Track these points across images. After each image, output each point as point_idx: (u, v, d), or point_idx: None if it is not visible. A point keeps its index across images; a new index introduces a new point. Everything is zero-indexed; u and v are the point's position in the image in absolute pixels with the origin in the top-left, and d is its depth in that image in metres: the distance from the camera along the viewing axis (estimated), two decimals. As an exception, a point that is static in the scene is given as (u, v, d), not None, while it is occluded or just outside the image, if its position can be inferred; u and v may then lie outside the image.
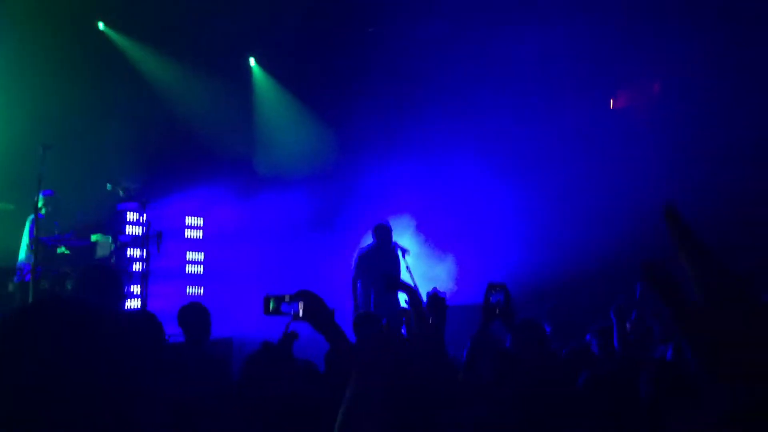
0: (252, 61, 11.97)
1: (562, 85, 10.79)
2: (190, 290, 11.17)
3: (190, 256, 11.36)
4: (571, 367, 3.65)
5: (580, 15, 9.90)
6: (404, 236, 10.49)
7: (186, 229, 11.34)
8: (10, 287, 7.84)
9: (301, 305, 2.61)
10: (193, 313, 5.27)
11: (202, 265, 11.48)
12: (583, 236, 9.79)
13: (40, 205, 8.23)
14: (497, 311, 3.39)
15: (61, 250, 8.28)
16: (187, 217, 11.31)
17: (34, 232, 7.96)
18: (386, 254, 8.86)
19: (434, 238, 11.42)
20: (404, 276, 8.71)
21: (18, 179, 8.48)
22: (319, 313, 2.60)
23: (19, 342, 1.29)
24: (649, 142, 10.13)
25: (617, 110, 11.65)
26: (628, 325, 4.78)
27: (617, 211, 9.80)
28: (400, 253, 8.88)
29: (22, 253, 8.37)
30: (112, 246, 8.55)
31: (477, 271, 10.47)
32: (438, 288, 3.76)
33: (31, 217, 8.31)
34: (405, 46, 10.94)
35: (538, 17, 10.04)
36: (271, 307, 2.67)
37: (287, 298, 2.64)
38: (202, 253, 11.49)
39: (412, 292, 3.82)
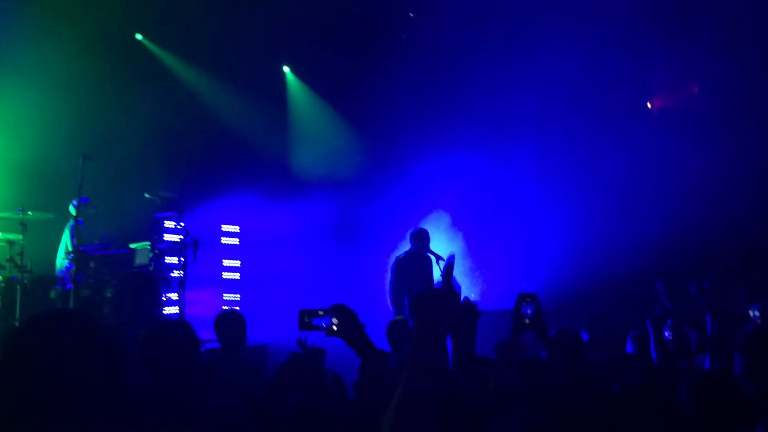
0: (286, 69, 12.07)
1: (597, 89, 10.68)
2: (227, 297, 11.29)
3: (227, 262, 11.50)
4: (608, 377, 3.60)
5: (617, 18, 9.79)
6: (439, 240, 10.45)
7: (222, 237, 11.48)
8: (52, 294, 8.01)
9: (334, 320, 2.63)
10: (229, 322, 5.33)
11: (238, 272, 11.60)
12: (623, 242, 9.68)
13: (74, 212, 8.42)
14: (528, 321, 3.36)
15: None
16: (223, 224, 11.44)
17: (75, 240, 8.14)
18: (423, 260, 8.87)
19: (466, 242, 11.38)
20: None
21: (59, 189, 8.67)
22: (351, 328, 2.62)
23: (24, 350, 1.41)
24: (689, 147, 9.97)
25: (655, 112, 11.49)
26: (666, 333, 4.70)
27: (657, 216, 9.66)
28: (434, 260, 8.86)
29: (59, 261, 8.56)
30: (151, 254, 8.67)
31: (511, 277, 10.41)
32: (469, 296, 3.74)
33: (70, 224, 8.50)
34: (437, 52, 10.95)
35: (568, 21, 9.96)
36: (305, 322, 2.70)
37: (321, 313, 2.67)
38: (239, 261, 11.61)
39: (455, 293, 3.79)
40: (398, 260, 8.90)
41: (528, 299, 3.50)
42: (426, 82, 11.26)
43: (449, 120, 11.27)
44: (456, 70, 11.02)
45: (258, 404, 2.99)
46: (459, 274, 10.57)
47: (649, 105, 11.49)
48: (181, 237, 8.67)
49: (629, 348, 4.88)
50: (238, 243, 11.65)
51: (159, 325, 3.27)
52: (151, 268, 8.66)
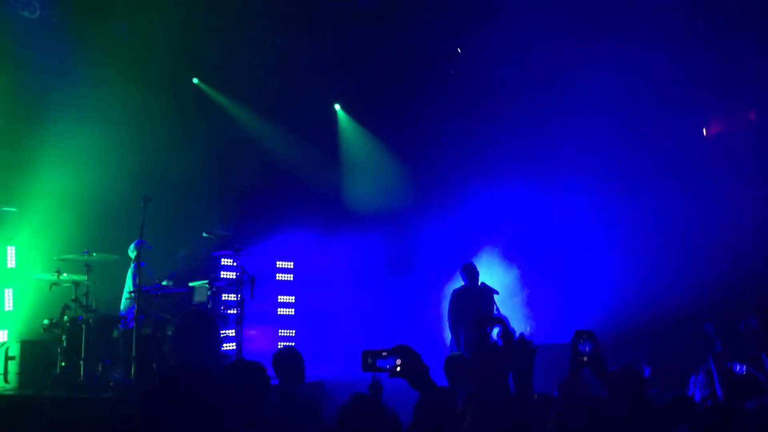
0: (337, 106, 12.28)
1: (656, 113, 10.54)
2: (282, 332, 11.41)
3: (282, 298, 11.64)
4: (670, 416, 3.52)
5: (673, 36, 9.67)
6: (493, 272, 10.40)
7: (277, 273, 11.64)
8: (115, 334, 8.23)
9: (398, 361, 2.66)
10: (288, 359, 5.37)
11: (293, 308, 11.73)
12: (686, 274, 9.47)
13: (132, 255, 8.68)
14: (586, 359, 3.33)
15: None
16: (278, 261, 11.62)
17: (137, 281, 8.37)
18: (476, 293, 8.87)
19: (521, 275, 11.28)
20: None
21: (122, 230, 8.95)
22: (415, 369, 2.64)
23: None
24: (748, 174, 9.75)
25: (713, 138, 11.27)
26: (736, 368, 4.53)
27: (720, 247, 9.44)
28: (490, 293, 8.85)
29: (124, 301, 8.80)
30: (209, 291, 8.86)
31: (566, 310, 10.27)
32: (524, 333, 3.73)
33: (132, 265, 8.76)
34: (485, 86, 10.99)
35: (617, 47, 9.88)
36: (368, 363, 2.73)
37: (384, 354, 2.70)
38: (293, 296, 11.74)
39: (503, 324, 3.79)
40: (454, 294, 8.95)
41: (585, 336, 3.47)
42: (475, 116, 11.32)
43: (500, 153, 11.27)
44: (505, 102, 11.03)
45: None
46: (514, 307, 10.50)
47: (705, 132, 11.28)
48: (237, 274, 8.85)
49: (690, 392, 4.72)
50: (292, 279, 11.80)
51: (238, 364, 3.38)
52: (209, 306, 8.84)
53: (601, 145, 10.59)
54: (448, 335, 9.10)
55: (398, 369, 2.71)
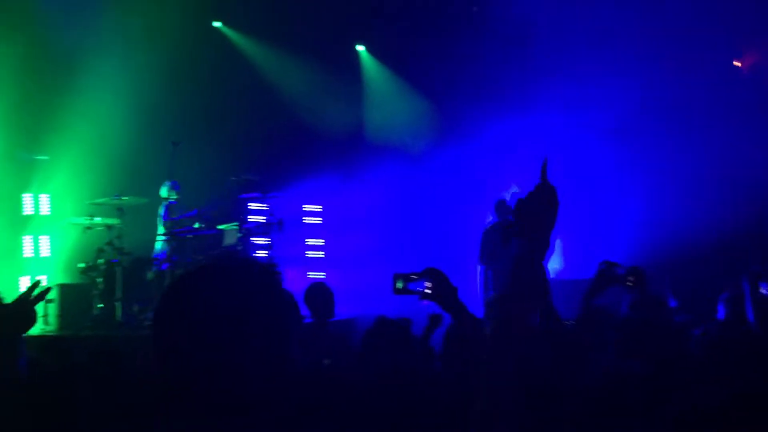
0: (360, 47, 12.16)
1: (685, 45, 10.27)
2: (312, 275, 11.54)
3: (310, 241, 11.75)
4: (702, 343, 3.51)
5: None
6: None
7: (304, 216, 11.73)
8: (149, 276, 8.42)
9: (428, 284, 2.69)
10: (319, 293, 5.48)
11: (322, 251, 11.84)
12: (708, 205, 9.36)
13: (165, 195, 8.81)
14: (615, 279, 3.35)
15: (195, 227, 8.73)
16: (304, 204, 11.69)
17: (168, 221, 8.52)
18: (506, 230, 8.88)
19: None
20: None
21: (151, 174, 9.07)
22: (445, 291, 2.67)
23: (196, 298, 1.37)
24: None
25: (742, 74, 10.98)
26: (765, 291, 4.42)
27: (746, 178, 9.29)
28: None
29: (158, 244, 8.97)
30: (239, 234, 8.97)
31: (593, 246, 10.22)
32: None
33: (163, 206, 8.89)
34: (509, 22, 10.75)
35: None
36: (399, 286, 2.76)
37: (414, 277, 2.73)
38: (322, 239, 11.85)
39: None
40: (484, 231, 8.98)
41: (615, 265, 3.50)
42: (499, 53, 11.10)
43: (526, 89, 11.08)
44: (531, 35, 10.78)
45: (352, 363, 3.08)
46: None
47: (737, 63, 10.97)
48: (266, 217, 8.94)
49: (721, 314, 4.68)
50: (320, 222, 11.88)
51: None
52: (239, 248, 8.96)
53: (631, 75, 10.35)
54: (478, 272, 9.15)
55: (428, 291, 2.73)
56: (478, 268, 9.05)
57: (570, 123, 10.85)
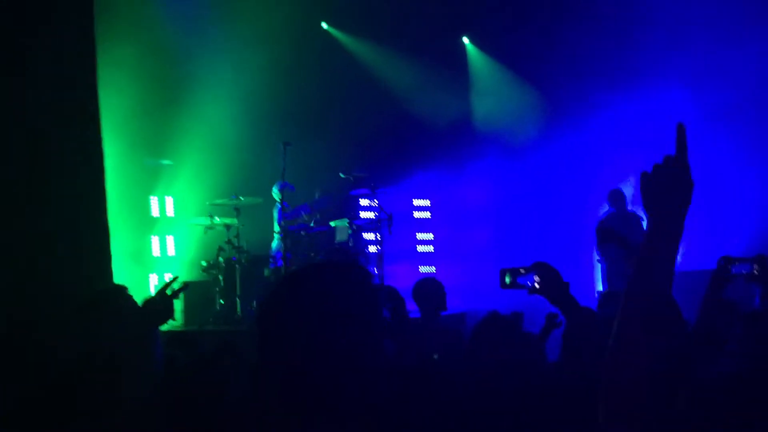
0: (465, 40, 12.07)
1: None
2: (423, 269, 11.59)
3: (420, 236, 11.80)
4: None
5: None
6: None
7: (414, 211, 11.79)
8: (266, 272, 8.72)
9: (536, 278, 2.63)
10: (429, 287, 5.48)
11: (432, 245, 11.87)
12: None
13: (278, 198, 9.09)
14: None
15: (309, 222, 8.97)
16: (414, 199, 11.75)
17: (281, 221, 8.81)
18: (623, 221, 8.56)
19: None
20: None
21: (265, 175, 9.40)
22: (554, 285, 2.60)
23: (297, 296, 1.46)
24: None
25: None
26: None
27: None
28: (638, 219, 8.52)
29: (274, 242, 9.29)
30: (349, 230, 9.12)
31: (712, 233, 9.66)
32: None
33: (277, 206, 9.20)
34: (615, 5, 10.32)
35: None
36: (507, 281, 2.71)
37: (522, 271, 2.67)
38: (432, 234, 11.87)
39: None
40: (600, 223, 8.72)
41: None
42: (607, 38, 10.67)
43: (637, 77, 10.61)
44: (639, 19, 10.30)
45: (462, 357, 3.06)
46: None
47: None
48: (376, 213, 9.04)
49: None
50: (429, 216, 11.91)
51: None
52: (350, 244, 9.12)
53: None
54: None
55: (537, 286, 2.67)
56: (596, 259, 8.79)
57: (684, 108, 10.28)
